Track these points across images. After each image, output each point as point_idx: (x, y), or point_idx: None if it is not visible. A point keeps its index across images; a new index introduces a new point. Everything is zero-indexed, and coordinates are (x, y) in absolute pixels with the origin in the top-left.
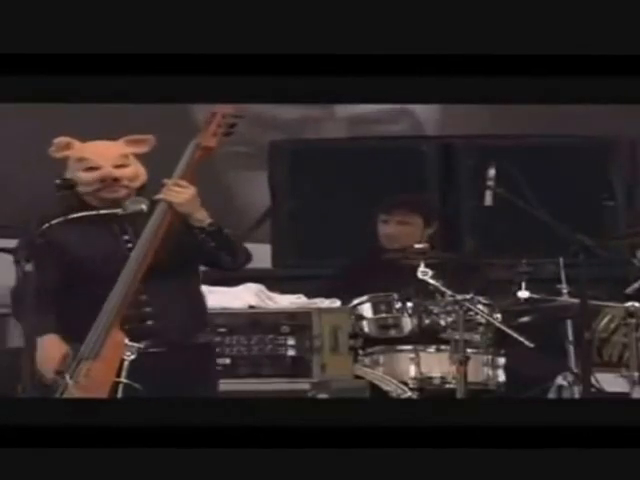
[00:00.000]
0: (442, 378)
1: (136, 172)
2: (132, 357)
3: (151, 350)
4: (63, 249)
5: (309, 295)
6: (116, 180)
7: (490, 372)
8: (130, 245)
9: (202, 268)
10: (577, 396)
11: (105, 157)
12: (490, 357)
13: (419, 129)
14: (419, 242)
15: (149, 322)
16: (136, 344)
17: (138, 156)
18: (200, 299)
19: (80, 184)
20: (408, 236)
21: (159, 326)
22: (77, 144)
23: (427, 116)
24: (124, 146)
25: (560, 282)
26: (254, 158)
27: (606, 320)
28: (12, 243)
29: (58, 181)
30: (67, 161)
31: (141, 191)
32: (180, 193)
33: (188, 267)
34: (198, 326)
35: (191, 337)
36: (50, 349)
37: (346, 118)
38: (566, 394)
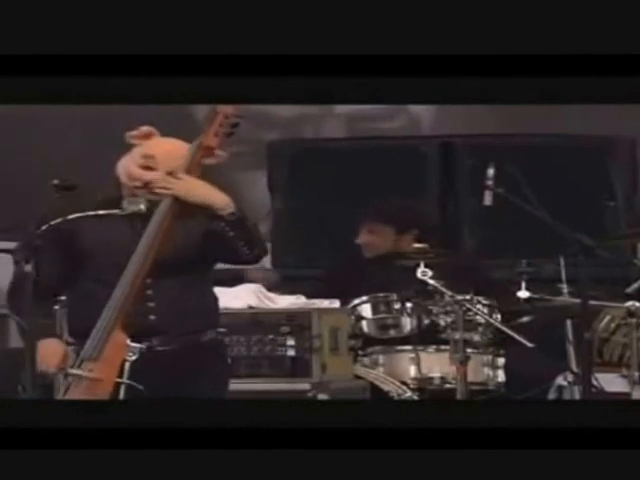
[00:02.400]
0: (442, 378)
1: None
2: (134, 358)
3: (154, 346)
4: (77, 245)
5: (308, 295)
6: (151, 187)
7: (490, 372)
8: None
9: (217, 266)
10: (577, 396)
11: (166, 162)
12: (490, 357)
13: (416, 126)
14: (396, 249)
15: (151, 317)
16: (138, 344)
17: None
18: (209, 297)
19: (125, 175)
20: (379, 245)
21: (162, 322)
22: (155, 138)
23: (424, 113)
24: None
25: (560, 282)
26: (252, 157)
27: (606, 320)
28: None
29: (56, 182)
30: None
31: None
32: (175, 184)
33: (198, 264)
34: (204, 324)
35: (195, 335)
36: (49, 348)
37: (344, 115)
38: (566, 394)
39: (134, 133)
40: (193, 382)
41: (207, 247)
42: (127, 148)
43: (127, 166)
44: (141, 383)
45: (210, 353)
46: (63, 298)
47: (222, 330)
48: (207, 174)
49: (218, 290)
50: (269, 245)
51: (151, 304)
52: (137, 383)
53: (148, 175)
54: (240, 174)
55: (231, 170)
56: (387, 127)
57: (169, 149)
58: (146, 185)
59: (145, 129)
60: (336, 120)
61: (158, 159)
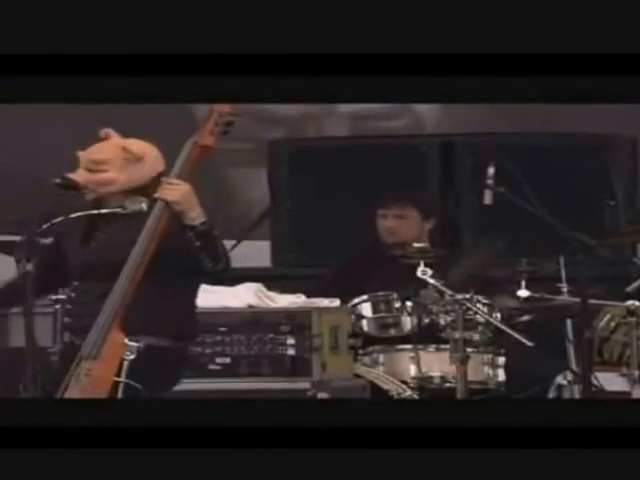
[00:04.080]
0: (442, 377)
1: (108, 179)
2: (132, 357)
3: None
4: (60, 247)
5: (309, 294)
6: (75, 184)
7: (490, 371)
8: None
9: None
10: (577, 395)
11: (83, 160)
12: (490, 356)
13: (420, 125)
14: (418, 237)
15: None
16: (136, 344)
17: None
18: (174, 303)
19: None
20: (406, 230)
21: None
22: (109, 138)
23: (428, 112)
24: (115, 150)
25: (560, 281)
26: (254, 155)
27: (606, 319)
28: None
29: (58, 180)
30: None
31: (130, 194)
32: (174, 190)
33: (175, 266)
34: (160, 329)
35: (153, 339)
36: None
37: (347, 114)
38: (566, 393)
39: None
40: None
41: (171, 253)
42: None
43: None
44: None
45: (157, 358)
46: (62, 297)
47: (222, 329)
48: (207, 170)
49: (217, 289)
50: (269, 243)
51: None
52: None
53: (73, 176)
54: (241, 170)
55: (232, 166)
56: (388, 126)
57: (93, 147)
58: (69, 183)
59: (102, 132)
60: (338, 119)
61: (80, 158)
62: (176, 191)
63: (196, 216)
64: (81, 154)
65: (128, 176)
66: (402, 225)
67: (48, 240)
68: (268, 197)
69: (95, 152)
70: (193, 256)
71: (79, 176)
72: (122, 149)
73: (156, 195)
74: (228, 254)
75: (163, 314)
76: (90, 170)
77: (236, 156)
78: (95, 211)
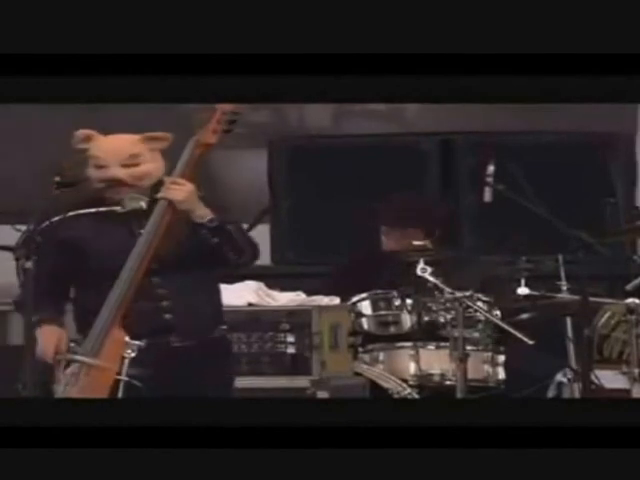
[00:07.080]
0: (442, 375)
1: (146, 171)
2: (133, 355)
3: (171, 343)
4: (73, 244)
5: (309, 292)
6: (120, 181)
7: (490, 369)
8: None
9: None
10: (577, 393)
11: (113, 156)
12: (490, 354)
13: (411, 114)
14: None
15: (167, 316)
16: (137, 342)
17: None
18: (217, 295)
19: (92, 180)
20: (408, 245)
21: (178, 320)
22: (97, 138)
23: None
24: (139, 143)
25: (560, 279)
26: (250, 141)
27: (606, 317)
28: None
29: (57, 179)
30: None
31: (158, 187)
32: (179, 190)
33: (203, 262)
34: (215, 322)
35: (208, 332)
36: (46, 336)
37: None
38: (566, 391)
39: (74, 140)
40: (204, 378)
41: (201, 249)
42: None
43: (89, 172)
44: (157, 379)
45: (219, 349)
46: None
47: (225, 327)
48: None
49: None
50: (269, 242)
51: (165, 303)
52: (152, 378)
53: (104, 173)
54: (237, 156)
55: (228, 152)
56: (381, 107)
57: (108, 142)
58: (111, 181)
59: (81, 132)
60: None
61: (102, 156)
62: (181, 191)
63: (203, 214)
64: (107, 151)
65: (157, 166)
66: (404, 243)
67: (48, 239)
68: (262, 183)
69: (131, 145)
70: (216, 253)
71: (120, 172)
72: (142, 140)
73: (160, 195)
74: (254, 243)
75: (221, 304)
76: (127, 165)
77: (232, 141)
78: (94, 209)
